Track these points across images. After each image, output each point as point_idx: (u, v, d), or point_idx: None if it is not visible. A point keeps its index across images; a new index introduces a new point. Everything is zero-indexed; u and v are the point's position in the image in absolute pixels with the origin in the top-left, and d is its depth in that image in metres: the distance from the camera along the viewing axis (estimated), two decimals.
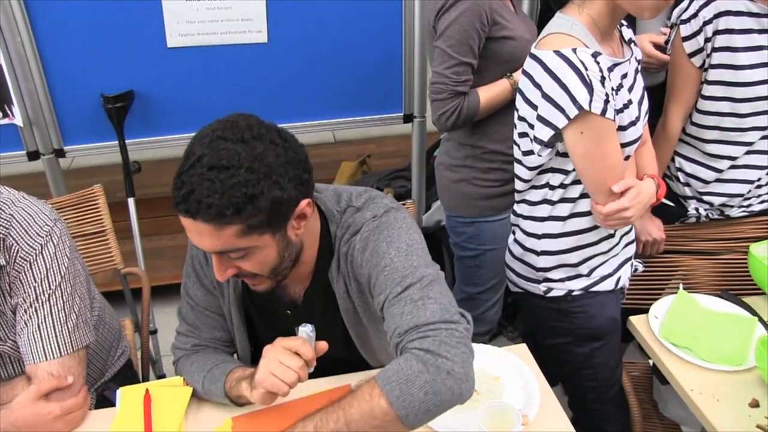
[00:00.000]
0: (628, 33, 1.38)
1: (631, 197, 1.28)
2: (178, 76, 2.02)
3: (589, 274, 1.42)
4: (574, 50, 1.19)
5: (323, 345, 1.08)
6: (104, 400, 1.39)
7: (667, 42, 1.61)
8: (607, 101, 1.19)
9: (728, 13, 1.45)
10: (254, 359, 1.27)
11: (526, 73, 1.28)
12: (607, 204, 1.28)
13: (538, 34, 1.31)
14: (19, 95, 1.91)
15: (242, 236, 0.96)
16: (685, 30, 1.49)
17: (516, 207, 1.46)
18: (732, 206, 1.65)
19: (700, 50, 1.49)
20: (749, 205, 1.66)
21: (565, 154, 1.29)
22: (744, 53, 1.46)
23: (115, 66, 1.96)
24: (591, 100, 1.18)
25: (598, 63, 1.19)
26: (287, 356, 1.04)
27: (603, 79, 1.18)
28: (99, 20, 1.90)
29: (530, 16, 2.14)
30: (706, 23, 1.46)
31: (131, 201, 2.09)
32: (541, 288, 1.45)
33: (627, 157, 1.32)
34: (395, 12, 2.07)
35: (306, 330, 1.07)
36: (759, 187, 1.62)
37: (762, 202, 1.66)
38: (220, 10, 1.95)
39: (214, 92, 2.08)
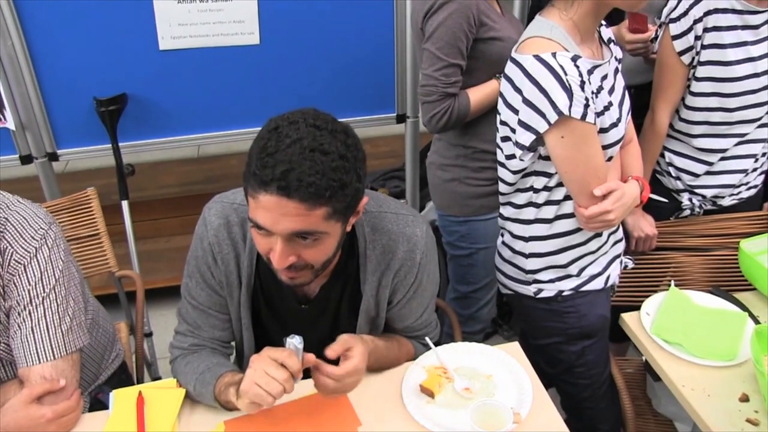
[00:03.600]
0: (607, 33, 1.38)
1: (614, 200, 1.28)
2: (170, 79, 2.02)
3: (578, 274, 1.42)
4: (554, 54, 1.19)
5: (311, 357, 1.09)
6: (98, 403, 1.39)
7: (653, 40, 1.63)
8: (587, 105, 1.19)
9: (716, 10, 1.47)
10: None
11: (506, 77, 1.28)
12: (590, 207, 1.29)
13: None
14: (11, 99, 1.91)
15: (326, 220, 0.99)
16: (675, 29, 1.50)
17: (502, 210, 1.47)
18: (724, 196, 1.67)
19: (690, 48, 1.50)
20: (739, 193, 1.68)
21: (547, 158, 1.29)
22: (732, 49, 1.48)
23: (108, 69, 1.96)
24: (571, 105, 1.18)
25: (577, 67, 1.19)
26: (273, 368, 1.04)
27: (583, 83, 1.19)
28: (91, 23, 1.90)
29: (521, 18, 2.15)
30: (696, 21, 1.47)
31: (125, 204, 2.09)
32: (531, 289, 1.45)
33: (610, 158, 1.32)
34: (387, 13, 2.08)
35: (294, 342, 1.07)
36: (747, 174, 1.64)
37: (750, 188, 1.69)
38: (211, 12, 1.95)
39: (207, 94, 2.08)
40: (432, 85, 1.57)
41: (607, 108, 1.27)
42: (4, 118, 1.94)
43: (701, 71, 1.52)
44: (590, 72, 1.23)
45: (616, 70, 1.36)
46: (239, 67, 2.05)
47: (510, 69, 1.27)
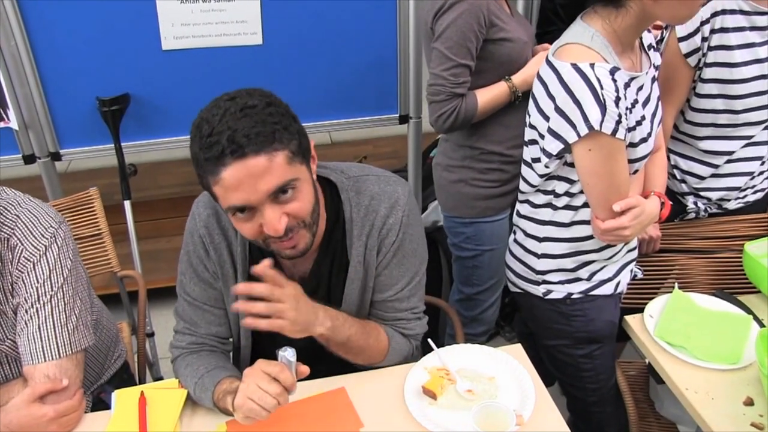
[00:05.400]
0: (648, 38, 1.34)
1: (632, 217, 1.27)
2: (173, 79, 2.02)
3: (589, 278, 1.42)
4: (592, 65, 1.16)
5: (304, 369, 1.09)
6: (100, 402, 1.40)
7: (659, 41, 1.62)
8: (619, 121, 1.17)
9: (723, 12, 1.46)
10: (254, 350, 1.30)
11: (541, 80, 1.26)
12: (607, 221, 1.28)
13: (536, 36, 1.30)
14: (14, 99, 1.91)
15: (290, 164, 1.02)
16: (681, 30, 1.49)
17: (519, 207, 1.46)
18: (729, 199, 1.66)
19: (696, 50, 1.49)
20: (745, 197, 1.67)
21: (572, 165, 1.28)
22: (738, 51, 1.47)
23: (111, 69, 1.96)
24: (602, 120, 1.16)
25: (615, 81, 1.16)
26: (266, 382, 1.04)
27: (618, 99, 1.16)
28: (94, 23, 1.90)
29: (526, 17, 2.14)
30: (703, 23, 1.46)
31: (127, 204, 2.09)
32: (540, 290, 1.45)
33: (635, 172, 1.31)
34: (390, 13, 2.07)
35: (286, 355, 1.07)
36: (753, 178, 1.63)
37: (756, 192, 1.68)
38: (214, 12, 1.95)
39: (210, 94, 2.04)
40: (440, 84, 1.57)
41: (639, 123, 1.25)
42: (7, 118, 1.94)
43: (707, 73, 1.50)
44: (627, 85, 1.20)
45: (653, 79, 1.33)
46: (242, 67, 2.05)
47: (545, 72, 1.25)
